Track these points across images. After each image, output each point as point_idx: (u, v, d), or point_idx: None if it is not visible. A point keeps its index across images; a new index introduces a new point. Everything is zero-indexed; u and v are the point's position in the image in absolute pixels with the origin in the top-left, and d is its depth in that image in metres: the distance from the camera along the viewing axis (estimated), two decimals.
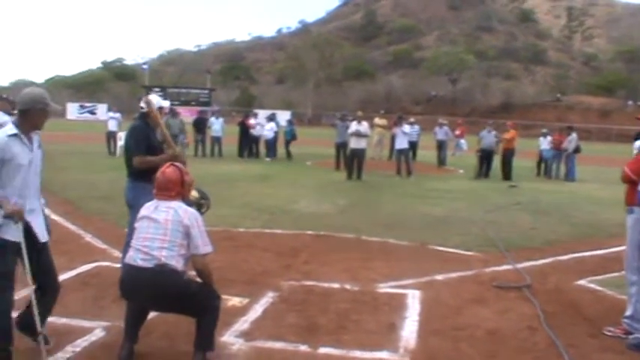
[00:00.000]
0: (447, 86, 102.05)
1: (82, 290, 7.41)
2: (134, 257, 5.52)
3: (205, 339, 5.53)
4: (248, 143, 32.03)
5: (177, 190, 5.77)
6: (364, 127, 22.35)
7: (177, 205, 5.68)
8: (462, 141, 38.33)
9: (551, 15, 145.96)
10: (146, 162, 7.45)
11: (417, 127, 31.29)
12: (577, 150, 26.09)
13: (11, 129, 5.36)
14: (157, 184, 5.80)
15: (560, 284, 8.81)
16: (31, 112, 5.47)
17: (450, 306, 7.65)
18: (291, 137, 32.32)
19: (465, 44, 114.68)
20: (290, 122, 34.77)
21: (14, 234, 5.31)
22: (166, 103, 8.36)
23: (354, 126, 22.47)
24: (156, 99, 8.14)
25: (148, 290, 5.45)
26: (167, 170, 5.84)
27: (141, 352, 5.72)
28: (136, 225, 5.75)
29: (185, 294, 5.50)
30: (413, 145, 30.46)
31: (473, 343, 6.43)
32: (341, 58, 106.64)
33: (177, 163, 6.04)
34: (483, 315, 7.33)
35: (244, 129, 32.05)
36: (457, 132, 37.95)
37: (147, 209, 5.75)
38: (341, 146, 25.45)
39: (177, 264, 5.46)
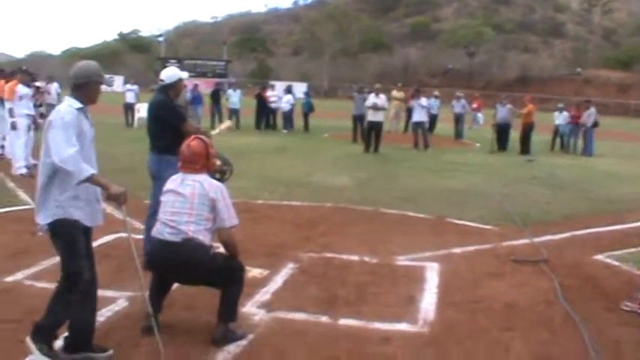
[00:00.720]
0: (464, 59, 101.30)
1: (104, 262, 7.51)
2: (161, 231, 5.62)
3: (228, 310, 5.64)
4: (265, 115, 32.08)
5: (203, 162, 5.82)
6: (382, 99, 22.35)
7: (203, 178, 5.74)
8: (479, 114, 38.18)
9: None
10: (190, 130, 7.53)
11: (438, 101, 31.35)
12: (595, 124, 25.91)
13: (76, 102, 5.20)
14: (183, 157, 5.86)
15: (578, 259, 8.85)
16: (89, 85, 5.29)
17: (468, 279, 7.73)
18: (308, 109, 32.33)
19: (483, 17, 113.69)
20: (307, 94, 34.79)
21: (95, 219, 5.30)
22: (185, 75, 8.41)
23: (371, 98, 22.46)
24: (174, 71, 8.20)
25: (175, 264, 5.57)
26: (192, 143, 5.89)
27: (164, 323, 5.82)
28: (162, 198, 5.84)
29: (211, 268, 5.60)
30: (433, 118, 30.55)
31: (490, 315, 6.52)
32: (357, 30, 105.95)
33: (201, 136, 6.09)
34: (500, 288, 7.40)
35: (261, 101, 32.09)
36: (474, 105, 37.77)
37: (173, 182, 5.83)
38: (358, 119, 25.48)
39: (204, 238, 5.56)
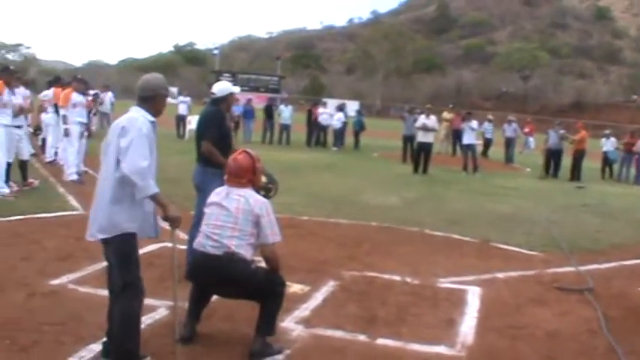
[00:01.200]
0: (517, 83, 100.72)
1: (148, 270, 7.56)
2: (204, 243, 5.65)
3: (267, 324, 5.66)
4: (315, 132, 32.19)
5: (249, 177, 5.83)
6: (432, 120, 22.31)
7: (249, 193, 5.76)
8: (531, 139, 37.88)
9: (628, 13, 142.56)
10: (212, 153, 7.61)
11: (492, 125, 31.25)
12: None
13: (148, 115, 5.21)
14: (229, 170, 5.88)
15: (624, 289, 8.68)
16: (156, 98, 5.31)
17: (510, 304, 7.64)
18: (360, 128, 32.38)
19: (538, 41, 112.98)
20: (359, 113, 34.85)
21: (150, 231, 5.29)
22: (237, 89, 8.47)
23: (421, 119, 22.43)
24: (226, 84, 8.28)
25: (215, 277, 5.60)
26: (239, 157, 5.90)
27: (203, 333, 5.89)
28: (206, 210, 5.87)
29: (252, 282, 5.62)
30: (488, 143, 30.46)
31: (531, 342, 6.43)
32: (412, 50, 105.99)
33: (249, 150, 6.10)
34: (543, 316, 7.31)
35: (310, 117, 32.25)
36: (526, 129, 37.51)
37: (217, 195, 5.85)
38: (408, 139, 25.44)
39: (246, 253, 5.58)
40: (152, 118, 5.20)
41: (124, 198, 5.01)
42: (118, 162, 4.97)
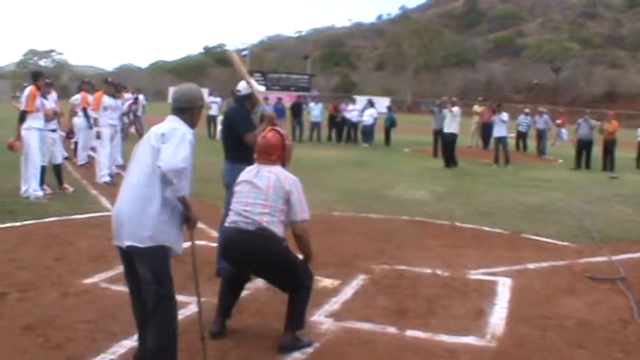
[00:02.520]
0: (549, 75, 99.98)
1: (179, 267, 7.64)
2: (236, 220, 5.71)
3: (295, 317, 5.70)
4: (345, 129, 32.34)
5: (279, 154, 5.92)
6: (455, 110, 22.18)
7: (279, 170, 5.83)
8: (563, 130, 37.60)
9: None
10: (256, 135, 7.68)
11: (529, 118, 31.09)
12: None
13: (187, 127, 5.05)
14: (259, 148, 5.96)
15: None
16: (193, 110, 5.18)
17: (540, 295, 7.63)
18: (390, 124, 32.38)
19: (569, 31, 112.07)
20: (389, 109, 34.84)
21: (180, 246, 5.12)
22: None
23: (445, 113, 22.58)
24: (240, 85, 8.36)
25: (249, 252, 5.63)
26: (268, 135, 5.99)
27: (233, 328, 5.97)
28: (237, 188, 5.94)
29: (283, 262, 5.67)
30: (523, 136, 30.32)
31: (561, 332, 6.42)
32: (441, 45, 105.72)
33: (277, 128, 6.20)
34: (574, 305, 7.28)
35: (331, 114, 32.70)
36: (558, 121, 37.26)
37: (248, 173, 5.92)
38: (439, 133, 25.38)
39: (278, 229, 5.63)
40: (192, 129, 5.08)
41: (164, 209, 4.87)
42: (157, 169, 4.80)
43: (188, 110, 5.14)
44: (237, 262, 5.87)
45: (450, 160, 21.87)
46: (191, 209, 4.97)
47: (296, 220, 5.73)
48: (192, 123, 5.16)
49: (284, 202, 5.68)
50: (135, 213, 4.86)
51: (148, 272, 4.86)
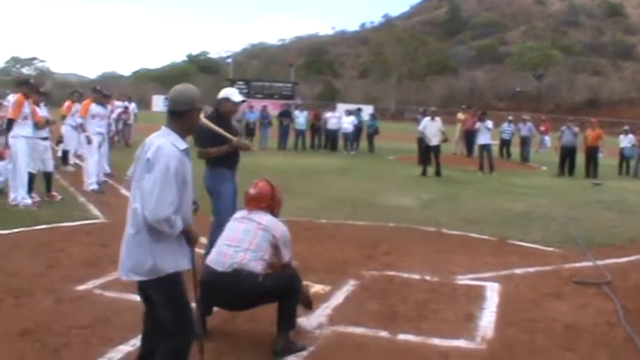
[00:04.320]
0: (531, 82, 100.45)
1: None
2: (215, 260, 5.81)
3: (287, 320, 5.79)
4: (321, 136, 32.79)
5: (268, 203, 6.11)
6: (437, 123, 22.19)
7: (270, 218, 6.04)
8: (547, 137, 37.88)
9: None
10: (207, 153, 7.95)
11: (512, 126, 31.25)
12: None
13: (180, 142, 4.62)
14: (249, 196, 6.15)
15: None
16: (193, 112, 4.75)
17: (528, 299, 7.73)
18: (373, 131, 32.50)
19: (551, 39, 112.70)
20: (372, 116, 34.96)
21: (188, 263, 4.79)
22: (236, 98, 8.54)
23: (425, 122, 22.61)
24: (228, 90, 8.61)
25: (225, 294, 5.72)
26: (260, 184, 6.22)
27: (227, 334, 6.06)
28: (227, 226, 6.12)
29: (260, 294, 5.75)
30: (507, 143, 30.49)
31: (549, 335, 6.52)
32: (424, 52, 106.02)
33: (267, 179, 6.37)
34: (561, 309, 7.39)
35: (312, 122, 32.90)
36: (542, 128, 37.55)
37: (239, 214, 6.20)
38: (423, 140, 25.43)
39: (256, 266, 5.71)
40: (184, 146, 4.61)
41: (162, 235, 4.53)
42: None
43: (187, 113, 4.71)
44: (216, 303, 5.96)
45: (436, 170, 21.82)
46: (192, 232, 4.74)
47: (285, 262, 5.97)
48: (190, 127, 4.80)
49: (270, 244, 5.84)
50: (133, 242, 4.55)
51: (160, 298, 4.63)
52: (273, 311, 5.93)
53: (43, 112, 13.46)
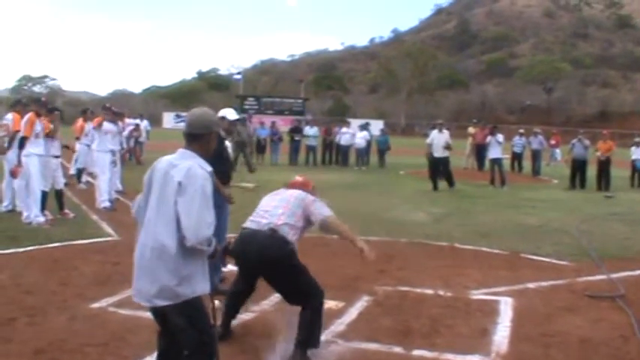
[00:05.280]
0: (541, 95, 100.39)
1: None
2: (252, 222, 6.12)
3: (306, 336, 5.82)
4: (333, 151, 32.82)
5: (310, 188, 6.75)
6: (445, 135, 22.21)
7: (303, 191, 6.44)
8: (557, 150, 37.78)
9: None
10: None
11: (524, 139, 31.28)
12: None
13: (205, 164, 4.61)
14: (293, 182, 6.83)
15: None
16: (211, 136, 4.76)
17: (542, 313, 7.72)
18: (384, 146, 32.51)
19: (561, 52, 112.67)
20: (383, 132, 34.95)
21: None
22: (232, 116, 8.97)
23: (433, 134, 22.55)
24: (224, 110, 8.97)
25: (257, 251, 5.86)
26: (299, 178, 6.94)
27: (241, 350, 6.06)
28: (262, 200, 6.48)
29: (289, 264, 5.90)
30: (519, 157, 30.47)
31: (564, 349, 6.51)
32: (434, 67, 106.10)
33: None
34: (575, 323, 7.37)
35: (324, 137, 33.10)
36: (552, 141, 37.46)
37: (274, 192, 6.59)
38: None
39: (289, 232, 5.95)
40: (209, 168, 4.60)
41: (195, 256, 4.52)
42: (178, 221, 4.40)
43: (204, 137, 4.69)
44: (246, 263, 6.11)
45: (448, 182, 21.83)
46: (218, 247, 4.69)
47: (323, 217, 6.20)
48: (207, 150, 4.73)
49: (303, 211, 6.10)
50: (158, 264, 4.45)
51: (184, 321, 4.52)
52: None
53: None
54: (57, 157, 13.55)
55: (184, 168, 4.47)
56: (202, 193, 4.41)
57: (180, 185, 4.41)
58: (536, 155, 30.47)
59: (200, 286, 4.54)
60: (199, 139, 4.68)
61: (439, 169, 22.07)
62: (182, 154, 4.64)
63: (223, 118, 8.58)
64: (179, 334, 4.57)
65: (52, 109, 13.65)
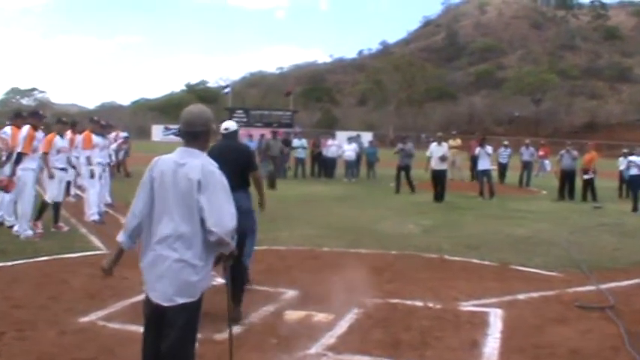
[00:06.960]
0: (529, 106, 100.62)
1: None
2: None
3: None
4: (319, 163, 32.99)
5: None
6: (444, 148, 22.37)
7: None
8: (546, 162, 37.88)
9: (637, 31, 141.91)
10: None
11: (509, 150, 31.38)
12: None
13: (212, 162, 4.70)
14: None
15: None
16: (209, 133, 4.84)
17: (532, 325, 7.72)
18: (373, 158, 32.57)
19: (548, 63, 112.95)
20: (372, 144, 35.03)
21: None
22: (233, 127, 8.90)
23: (432, 147, 22.60)
24: (230, 122, 8.92)
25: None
26: None
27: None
28: None
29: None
30: (504, 167, 30.53)
31: None
32: (422, 79, 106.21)
33: None
34: (565, 334, 7.38)
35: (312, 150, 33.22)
36: (541, 152, 37.56)
37: None
38: (403, 168, 25.70)
39: None
40: (216, 164, 4.68)
41: (209, 253, 4.67)
42: (201, 220, 4.50)
43: (203, 134, 4.76)
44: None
45: (440, 195, 21.89)
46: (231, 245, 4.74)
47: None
48: (206, 147, 4.86)
49: None
50: (178, 263, 4.55)
51: (182, 324, 4.61)
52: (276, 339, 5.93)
53: (63, 142, 13.92)
54: (63, 169, 13.61)
55: (197, 166, 4.57)
56: (222, 187, 4.57)
57: (200, 183, 4.50)
58: (527, 167, 30.58)
59: (210, 281, 4.81)
60: (200, 136, 4.76)
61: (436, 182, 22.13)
62: (184, 152, 4.70)
63: (227, 129, 8.45)
64: (172, 332, 4.59)
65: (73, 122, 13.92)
